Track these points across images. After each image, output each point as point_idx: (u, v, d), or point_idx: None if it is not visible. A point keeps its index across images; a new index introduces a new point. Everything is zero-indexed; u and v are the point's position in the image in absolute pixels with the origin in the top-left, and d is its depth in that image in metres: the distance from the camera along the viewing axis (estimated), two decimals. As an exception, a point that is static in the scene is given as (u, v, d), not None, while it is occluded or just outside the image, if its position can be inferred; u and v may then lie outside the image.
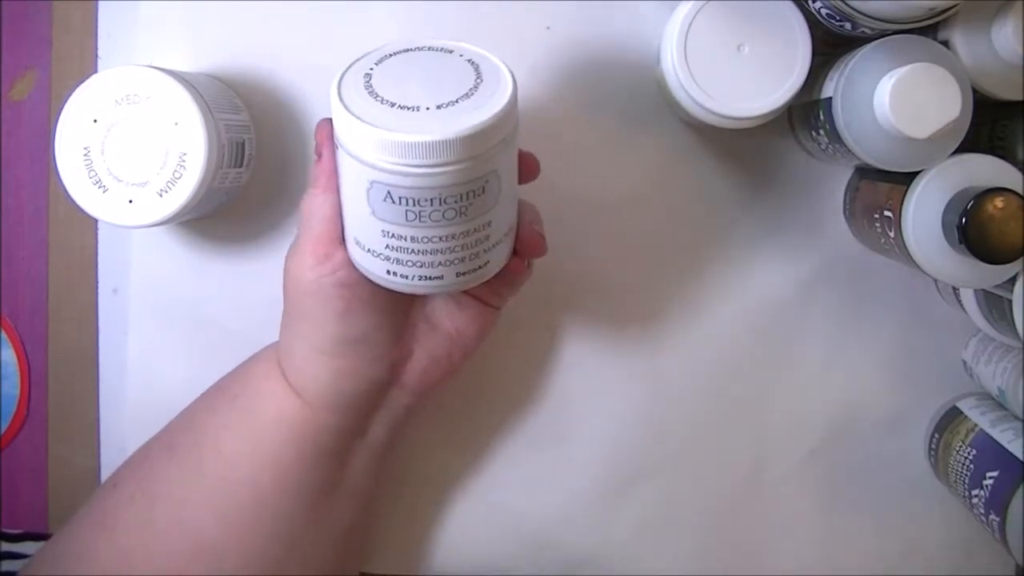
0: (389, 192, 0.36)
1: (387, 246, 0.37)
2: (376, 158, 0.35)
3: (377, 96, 0.36)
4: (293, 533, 0.44)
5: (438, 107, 0.35)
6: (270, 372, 0.44)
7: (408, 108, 0.36)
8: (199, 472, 0.43)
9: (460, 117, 0.35)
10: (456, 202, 0.36)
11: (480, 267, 0.39)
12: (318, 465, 0.44)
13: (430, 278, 0.38)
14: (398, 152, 0.35)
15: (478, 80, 0.37)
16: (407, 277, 0.38)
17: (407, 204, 0.36)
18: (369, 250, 0.38)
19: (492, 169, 0.36)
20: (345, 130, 0.36)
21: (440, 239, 0.37)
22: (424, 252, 0.37)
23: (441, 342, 0.45)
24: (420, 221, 0.36)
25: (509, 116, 0.36)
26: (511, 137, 0.37)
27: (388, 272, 0.38)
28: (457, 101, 0.36)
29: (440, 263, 0.38)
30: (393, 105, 0.36)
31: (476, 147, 0.35)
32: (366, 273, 0.40)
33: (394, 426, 0.46)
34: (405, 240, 0.37)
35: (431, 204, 0.36)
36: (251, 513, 0.43)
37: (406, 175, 0.35)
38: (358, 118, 0.35)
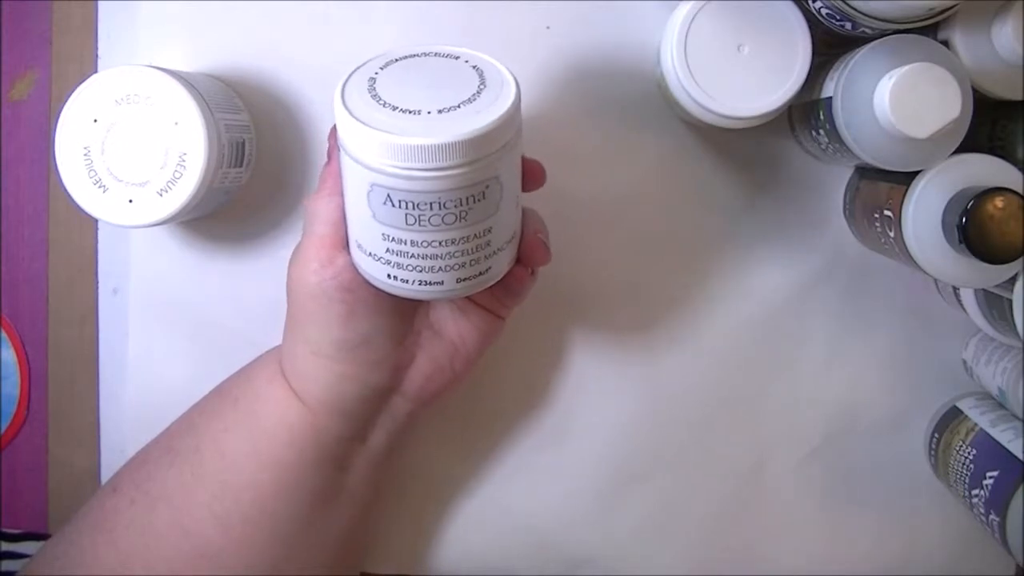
0: (389, 195, 0.36)
1: (387, 250, 0.38)
2: (376, 161, 0.35)
3: (380, 100, 0.36)
4: (293, 537, 0.44)
5: (439, 111, 0.36)
6: (272, 376, 0.44)
7: (409, 112, 0.36)
8: (199, 475, 0.43)
9: (461, 121, 0.35)
10: (456, 207, 0.36)
11: (481, 273, 0.39)
12: (318, 469, 0.44)
13: (430, 283, 0.38)
14: (397, 155, 0.35)
15: (481, 86, 0.37)
16: (407, 282, 0.38)
17: (407, 208, 0.36)
18: (370, 254, 0.38)
19: (493, 175, 0.36)
20: (346, 132, 0.36)
21: (440, 244, 0.37)
22: (424, 257, 0.37)
23: (444, 349, 0.45)
24: (420, 225, 0.36)
25: (511, 122, 0.36)
26: (513, 143, 0.37)
27: (389, 276, 0.38)
28: (459, 106, 0.36)
29: (440, 268, 0.38)
30: (395, 109, 0.36)
31: (476, 152, 0.35)
32: (368, 277, 0.40)
33: (395, 433, 0.46)
34: (405, 244, 0.37)
35: (431, 208, 0.36)
36: (251, 517, 0.43)
37: (406, 178, 0.35)
38: (359, 120, 0.35)
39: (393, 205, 0.36)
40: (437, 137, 0.34)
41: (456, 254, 0.38)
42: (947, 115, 0.39)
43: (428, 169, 0.35)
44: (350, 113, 0.35)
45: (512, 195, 0.39)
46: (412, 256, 0.37)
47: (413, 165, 0.35)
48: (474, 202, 0.36)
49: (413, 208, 0.36)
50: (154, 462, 0.45)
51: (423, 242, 0.37)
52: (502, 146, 0.36)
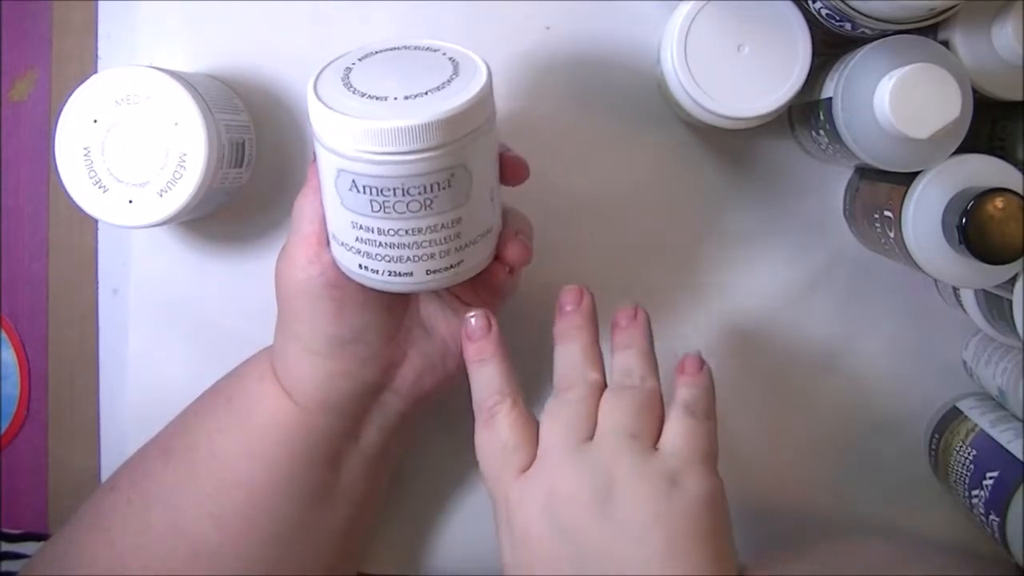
0: (354, 180, 0.36)
1: (357, 238, 0.38)
2: (341, 145, 0.36)
3: (351, 88, 0.37)
4: (288, 535, 0.44)
5: (406, 97, 0.36)
6: (263, 374, 0.44)
7: (377, 98, 0.36)
8: (194, 474, 0.43)
9: (425, 107, 0.35)
10: (421, 194, 0.36)
11: (452, 266, 0.39)
12: (311, 467, 0.44)
13: (400, 274, 0.38)
14: (360, 138, 0.35)
15: (453, 75, 0.37)
16: (377, 272, 0.38)
17: (371, 193, 0.36)
18: (342, 243, 0.39)
19: (459, 162, 0.36)
20: (315, 118, 0.36)
21: (407, 232, 0.37)
22: (392, 245, 0.37)
23: (436, 347, 0.45)
24: (385, 212, 0.36)
25: (476, 108, 0.36)
26: (483, 132, 0.37)
27: (360, 266, 0.39)
28: (427, 93, 0.36)
29: (409, 258, 0.38)
30: (364, 96, 0.36)
31: (439, 137, 0.35)
32: (342, 268, 0.40)
33: (388, 431, 0.45)
34: (372, 232, 0.37)
35: (395, 194, 0.36)
36: (245, 515, 0.43)
37: (369, 163, 0.35)
38: (325, 104, 0.36)
39: (359, 191, 0.36)
40: (398, 121, 0.35)
41: (424, 244, 0.38)
42: (947, 115, 0.39)
43: (390, 153, 0.35)
44: (319, 98, 0.36)
45: (485, 187, 0.39)
46: (380, 245, 0.38)
47: (375, 148, 0.35)
48: (439, 190, 0.36)
49: (378, 194, 0.36)
50: (150, 461, 0.45)
51: (390, 230, 0.37)
52: (468, 133, 0.36)
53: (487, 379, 0.42)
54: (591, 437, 0.40)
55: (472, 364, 0.42)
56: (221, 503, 0.43)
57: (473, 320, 0.42)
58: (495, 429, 0.41)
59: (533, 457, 0.41)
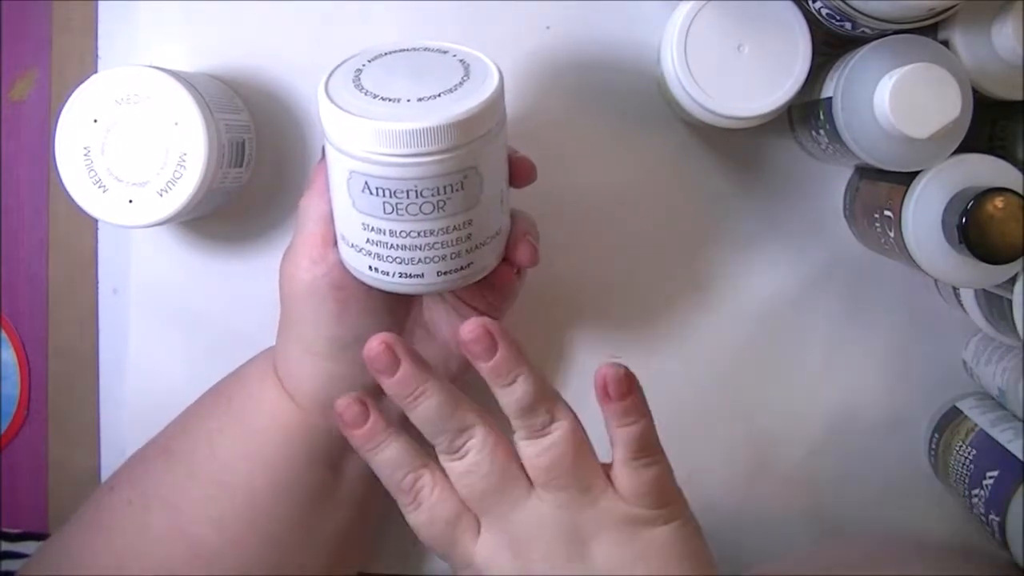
0: (367, 182, 0.36)
1: (368, 240, 0.38)
2: (354, 147, 0.36)
3: (363, 89, 0.37)
4: (288, 537, 0.44)
5: (419, 100, 0.36)
6: (265, 375, 0.44)
7: (389, 100, 0.36)
8: (194, 475, 0.43)
9: (439, 109, 0.35)
10: (433, 195, 0.36)
11: (463, 268, 0.39)
12: (311, 469, 0.44)
13: (410, 275, 0.38)
14: (373, 141, 0.35)
15: (465, 77, 0.37)
16: (388, 274, 0.38)
17: (384, 195, 0.36)
18: (352, 245, 0.39)
19: (471, 165, 0.36)
20: (327, 119, 0.36)
21: (419, 234, 0.37)
22: (403, 247, 0.37)
23: (438, 350, 0.44)
24: (397, 214, 0.37)
25: (489, 111, 0.36)
26: (494, 135, 0.37)
27: (370, 268, 0.39)
28: (439, 95, 0.36)
29: (420, 260, 0.38)
30: (375, 97, 0.36)
31: (452, 139, 0.35)
32: (351, 269, 0.40)
33: None
34: (384, 234, 0.37)
35: (407, 196, 0.36)
36: (245, 517, 0.43)
37: (382, 164, 0.35)
38: (337, 106, 0.36)
39: (371, 193, 0.36)
40: (412, 123, 0.35)
41: (435, 246, 0.38)
42: (947, 115, 0.39)
43: (403, 155, 0.35)
44: (331, 100, 0.36)
45: (495, 189, 0.39)
46: (392, 247, 0.38)
47: (388, 151, 0.35)
48: (452, 192, 0.36)
49: (390, 196, 0.36)
50: (150, 462, 0.45)
51: (401, 232, 0.37)
52: (480, 136, 0.36)
53: (391, 460, 0.39)
54: (526, 483, 0.38)
55: (366, 453, 0.39)
56: (221, 504, 0.43)
57: (346, 408, 0.38)
58: (428, 509, 0.39)
59: (475, 516, 0.39)
